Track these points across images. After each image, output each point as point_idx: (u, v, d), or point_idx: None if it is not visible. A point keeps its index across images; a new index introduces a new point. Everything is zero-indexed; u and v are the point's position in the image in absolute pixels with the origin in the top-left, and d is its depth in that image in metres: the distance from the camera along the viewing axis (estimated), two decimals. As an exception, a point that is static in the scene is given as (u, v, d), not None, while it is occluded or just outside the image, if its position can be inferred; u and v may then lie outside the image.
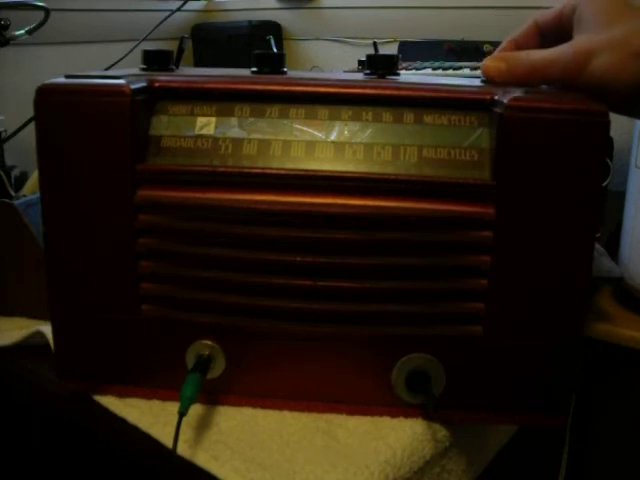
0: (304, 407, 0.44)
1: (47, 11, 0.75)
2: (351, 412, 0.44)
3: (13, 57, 1.04)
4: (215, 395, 0.44)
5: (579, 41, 0.40)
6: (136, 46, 0.80)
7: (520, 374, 0.42)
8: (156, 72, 0.45)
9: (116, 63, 0.79)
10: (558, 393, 0.43)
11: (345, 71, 0.59)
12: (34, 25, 0.75)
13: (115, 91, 0.39)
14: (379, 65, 0.46)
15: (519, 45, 0.46)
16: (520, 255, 0.40)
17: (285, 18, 1.46)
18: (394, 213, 0.39)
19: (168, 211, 0.41)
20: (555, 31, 0.45)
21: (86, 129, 0.40)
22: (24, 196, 0.66)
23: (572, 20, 0.43)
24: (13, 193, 0.68)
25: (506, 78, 0.43)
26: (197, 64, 1.42)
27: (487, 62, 0.44)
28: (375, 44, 0.51)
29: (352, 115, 0.41)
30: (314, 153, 0.40)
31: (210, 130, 0.41)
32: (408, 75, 0.47)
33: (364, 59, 0.49)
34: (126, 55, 0.79)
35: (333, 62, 1.39)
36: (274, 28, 1.43)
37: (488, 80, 0.44)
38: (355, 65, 0.59)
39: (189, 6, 1.27)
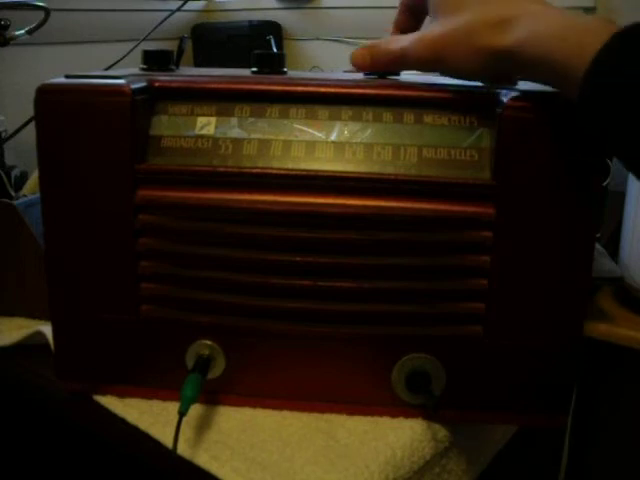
0: (304, 407, 0.44)
1: (47, 11, 0.75)
2: (351, 412, 0.44)
3: (13, 57, 1.03)
4: (215, 395, 0.44)
5: (426, 35, 0.40)
6: (136, 46, 0.79)
7: (520, 374, 0.42)
8: (156, 72, 0.45)
9: (116, 63, 0.79)
10: (558, 393, 0.43)
11: (345, 71, 0.59)
12: (34, 25, 0.75)
13: (115, 91, 0.39)
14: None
15: (398, 26, 0.47)
16: (520, 255, 0.40)
17: (285, 18, 1.46)
18: (394, 213, 0.39)
19: (168, 211, 0.41)
20: (423, 6, 0.44)
21: (86, 129, 0.40)
22: (24, 196, 0.66)
23: None
24: (13, 193, 0.68)
25: (370, 67, 0.44)
26: (197, 64, 1.42)
27: (354, 52, 0.45)
28: None
29: (352, 115, 0.41)
30: (314, 153, 0.40)
31: (210, 130, 0.41)
32: (408, 75, 0.47)
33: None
34: (126, 55, 0.79)
35: (333, 62, 1.39)
36: (274, 28, 1.43)
37: (356, 69, 0.45)
38: (355, 65, 0.59)
39: (189, 6, 1.27)
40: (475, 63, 0.37)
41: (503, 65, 0.36)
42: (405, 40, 0.41)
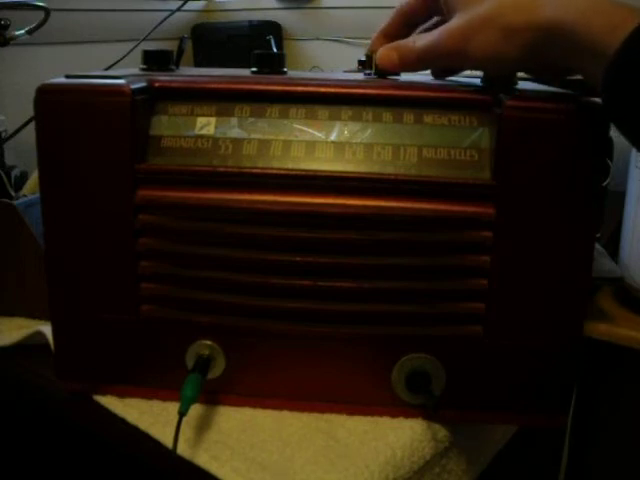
0: (304, 407, 0.44)
1: (47, 11, 0.75)
2: (351, 412, 0.44)
3: (13, 57, 1.03)
4: (215, 395, 0.44)
5: (451, 25, 0.39)
6: (136, 46, 0.80)
7: (520, 374, 0.42)
8: (156, 72, 0.45)
9: (116, 63, 0.79)
10: (558, 393, 0.43)
11: (345, 71, 0.59)
12: (34, 25, 0.75)
13: (115, 91, 0.39)
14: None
15: (388, 34, 0.46)
16: (520, 255, 0.40)
17: (285, 18, 1.46)
18: (394, 213, 0.39)
19: (168, 211, 0.41)
20: (426, 14, 0.44)
21: (86, 129, 0.40)
22: (24, 196, 0.66)
23: (439, 1, 0.42)
24: (13, 193, 0.68)
25: (399, 67, 0.43)
26: (197, 64, 1.42)
27: (381, 52, 0.44)
28: None
29: (352, 115, 0.41)
30: (314, 153, 0.40)
31: (210, 130, 0.41)
32: (408, 75, 0.47)
33: (364, 59, 0.49)
34: (126, 55, 0.79)
35: (333, 62, 1.39)
36: (274, 28, 1.43)
37: (383, 70, 0.44)
38: (355, 65, 0.59)
39: (189, 6, 1.27)
40: (506, 45, 0.37)
41: (533, 45, 0.36)
42: (430, 35, 0.40)
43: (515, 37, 0.36)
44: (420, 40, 0.41)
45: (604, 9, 0.33)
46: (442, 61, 0.42)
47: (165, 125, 0.41)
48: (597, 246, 0.64)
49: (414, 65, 0.43)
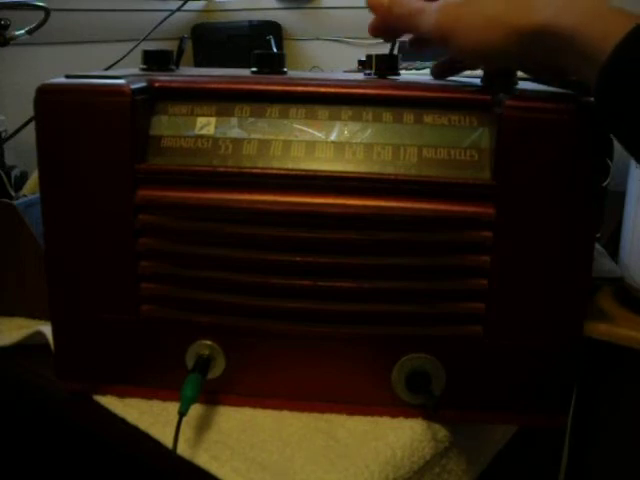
0: (304, 407, 0.44)
1: (47, 11, 0.75)
2: (351, 412, 0.44)
3: (13, 57, 1.03)
4: (215, 395, 0.44)
5: (450, 2, 0.39)
6: (136, 46, 0.79)
7: (520, 374, 0.42)
8: (156, 72, 0.45)
9: (116, 63, 0.78)
10: (558, 393, 0.43)
11: (345, 71, 0.59)
12: (34, 25, 0.75)
13: (115, 91, 0.39)
14: (380, 65, 0.46)
15: None
16: (520, 255, 0.40)
17: (285, 18, 1.46)
18: (394, 213, 0.39)
19: (168, 211, 0.41)
20: None
21: (86, 129, 0.40)
22: (24, 196, 0.66)
23: None
24: (13, 193, 0.68)
25: (384, 14, 0.42)
26: (197, 64, 1.42)
27: None
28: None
29: (352, 115, 0.41)
30: (314, 153, 0.40)
31: (210, 130, 0.41)
32: (408, 75, 0.47)
33: (364, 59, 0.49)
34: (126, 55, 0.79)
35: (333, 62, 1.39)
36: (274, 28, 1.43)
37: (369, 9, 0.43)
38: (355, 65, 0.59)
39: (189, 6, 1.27)
40: (494, 37, 0.37)
41: (532, 44, 0.36)
42: (428, 3, 0.40)
43: (514, 35, 0.36)
44: (415, 2, 0.41)
45: (602, 14, 0.33)
46: (426, 30, 0.40)
47: (165, 125, 0.41)
48: (597, 246, 0.64)
49: (396, 18, 0.42)
